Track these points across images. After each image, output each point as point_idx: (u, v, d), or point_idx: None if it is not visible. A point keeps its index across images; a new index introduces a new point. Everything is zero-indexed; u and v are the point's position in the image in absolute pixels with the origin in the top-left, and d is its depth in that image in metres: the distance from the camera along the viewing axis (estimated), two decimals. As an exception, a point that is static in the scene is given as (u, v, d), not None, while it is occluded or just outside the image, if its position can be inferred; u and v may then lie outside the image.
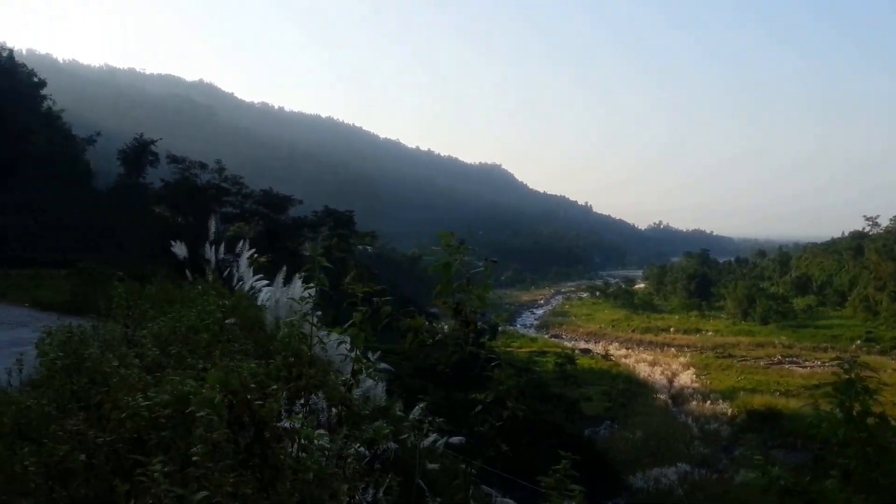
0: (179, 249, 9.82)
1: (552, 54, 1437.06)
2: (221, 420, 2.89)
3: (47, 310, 20.18)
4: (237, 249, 8.82)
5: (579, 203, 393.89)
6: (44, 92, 68.32)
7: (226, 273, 9.44)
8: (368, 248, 64.92)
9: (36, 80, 68.42)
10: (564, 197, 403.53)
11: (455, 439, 6.20)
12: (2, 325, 16.55)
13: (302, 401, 4.03)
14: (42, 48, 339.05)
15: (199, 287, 8.55)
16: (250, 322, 7.10)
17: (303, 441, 3.23)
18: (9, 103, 54.04)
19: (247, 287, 8.60)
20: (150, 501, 2.68)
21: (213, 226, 10.54)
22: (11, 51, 71.73)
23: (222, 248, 9.53)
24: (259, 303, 8.09)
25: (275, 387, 3.28)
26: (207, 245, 9.76)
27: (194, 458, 2.74)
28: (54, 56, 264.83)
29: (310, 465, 3.07)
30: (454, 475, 3.89)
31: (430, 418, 6.21)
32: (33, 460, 3.14)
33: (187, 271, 9.81)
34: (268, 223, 40.80)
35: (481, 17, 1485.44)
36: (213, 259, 9.58)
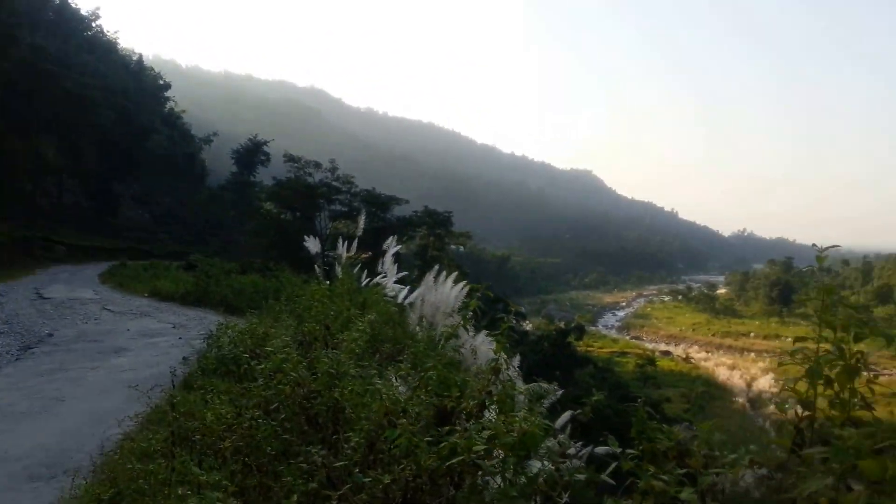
0: (313, 245, 10.72)
1: (651, 61, 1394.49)
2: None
3: (167, 300, 20.52)
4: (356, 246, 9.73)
5: (666, 209, 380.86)
6: (167, 94, 71.43)
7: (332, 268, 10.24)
8: (461, 247, 65.82)
9: (161, 82, 71.68)
10: (651, 203, 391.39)
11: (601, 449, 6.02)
12: (126, 314, 16.95)
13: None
14: (167, 54, 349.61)
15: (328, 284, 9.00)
16: (390, 319, 7.36)
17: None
18: (135, 103, 56.92)
19: (387, 284, 9.06)
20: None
21: (360, 223, 11.80)
22: (140, 55, 75.64)
23: (336, 244, 10.25)
24: (398, 300, 8.46)
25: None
26: (316, 240, 10.84)
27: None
28: (178, 61, 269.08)
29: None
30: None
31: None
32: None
33: (316, 267, 10.57)
34: (373, 221, 41.33)
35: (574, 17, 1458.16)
36: (319, 254, 10.69)
